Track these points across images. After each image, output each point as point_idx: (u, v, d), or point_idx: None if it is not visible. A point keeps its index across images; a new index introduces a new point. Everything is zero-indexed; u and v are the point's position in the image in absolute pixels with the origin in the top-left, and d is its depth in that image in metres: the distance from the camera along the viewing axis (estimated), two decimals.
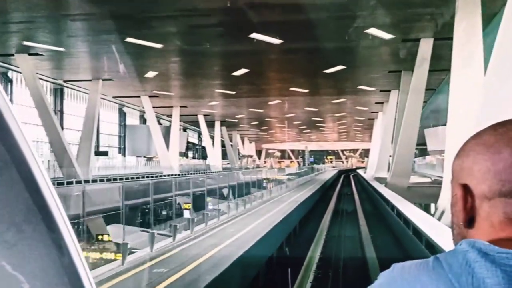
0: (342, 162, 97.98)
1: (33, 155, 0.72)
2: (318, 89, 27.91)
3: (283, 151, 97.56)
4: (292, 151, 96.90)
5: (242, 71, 21.92)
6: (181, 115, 42.14)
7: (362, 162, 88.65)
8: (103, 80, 24.01)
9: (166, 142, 34.80)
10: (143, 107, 32.65)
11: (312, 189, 27.26)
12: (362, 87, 26.35)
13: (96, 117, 23.91)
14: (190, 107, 35.78)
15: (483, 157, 0.58)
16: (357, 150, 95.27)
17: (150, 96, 29.59)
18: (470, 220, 0.59)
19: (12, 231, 0.69)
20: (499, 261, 0.51)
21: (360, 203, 27.65)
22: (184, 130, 55.58)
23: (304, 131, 58.27)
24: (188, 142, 60.04)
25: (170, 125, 47.35)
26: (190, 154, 60.37)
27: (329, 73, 22.09)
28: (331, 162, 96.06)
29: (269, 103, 32.60)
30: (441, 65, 18.44)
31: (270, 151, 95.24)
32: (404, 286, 0.55)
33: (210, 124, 45.55)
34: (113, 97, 32.20)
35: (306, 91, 27.51)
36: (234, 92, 28.17)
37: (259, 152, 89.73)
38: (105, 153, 35.90)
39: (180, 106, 34.89)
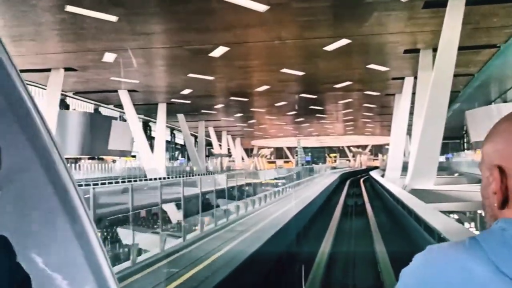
0: (349, 160, 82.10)
1: (60, 155, 0.76)
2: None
3: (280, 149, 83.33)
4: (289, 148, 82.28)
5: None
6: (93, 92, 27.77)
7: (374, 160, 73.35)
8: None
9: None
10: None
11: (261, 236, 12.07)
12: None
13: None
14: (86, 71, 20.96)
15: None
16: (366, 146, 79.64)
17: None
18: (503, 201, 0.58)
19: (40, 228, 0.74)
20: None
21: None
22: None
23: (297, 119, 43.05)
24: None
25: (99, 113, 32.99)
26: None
27: None
28: (334, 161, 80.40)
29: (211, 55, 17.77)
30: None
31: (264, 149, 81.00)
32: (442, 267, 0.54)
33: (154, 109, 31.15)
34: None
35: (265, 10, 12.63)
36: (115, 18, 13.40)
37: (250, 151, 75.69)
38: None
39: (64, 69, 20.08)
